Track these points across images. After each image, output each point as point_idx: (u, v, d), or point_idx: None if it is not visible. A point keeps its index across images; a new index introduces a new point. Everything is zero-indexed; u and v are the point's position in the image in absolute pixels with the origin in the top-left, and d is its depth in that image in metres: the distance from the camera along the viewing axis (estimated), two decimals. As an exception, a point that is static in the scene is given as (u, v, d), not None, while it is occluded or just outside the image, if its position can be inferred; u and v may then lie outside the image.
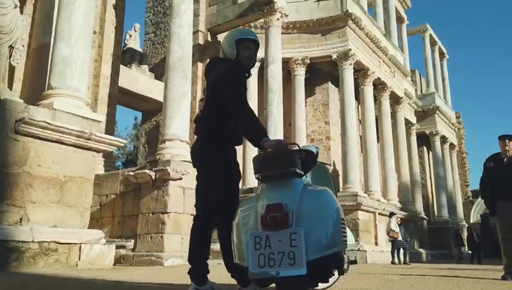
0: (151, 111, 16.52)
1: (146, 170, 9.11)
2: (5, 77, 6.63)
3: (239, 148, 13.56)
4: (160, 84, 14.31)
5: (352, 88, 16.24)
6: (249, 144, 15.94)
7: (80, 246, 5.72)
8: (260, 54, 15.02)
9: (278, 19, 14.30)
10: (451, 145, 29.07)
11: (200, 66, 15.42)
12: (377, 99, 18.97)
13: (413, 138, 24.27)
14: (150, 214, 9.01)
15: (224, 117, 2.54)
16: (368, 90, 17.62)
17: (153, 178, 8.98)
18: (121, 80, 13.28)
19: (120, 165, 34.71)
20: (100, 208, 10.41)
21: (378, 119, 18.92)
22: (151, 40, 17.11)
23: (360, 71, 17.47)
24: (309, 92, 17.62)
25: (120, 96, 14.27)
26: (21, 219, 5.32)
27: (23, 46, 7.22)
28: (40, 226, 5.45)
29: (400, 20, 26.06)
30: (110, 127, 12.09)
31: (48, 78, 6.49)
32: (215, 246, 2.84)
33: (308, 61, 16.56)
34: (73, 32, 6.50)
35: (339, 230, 1.92)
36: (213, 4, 16.08)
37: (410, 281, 4.78)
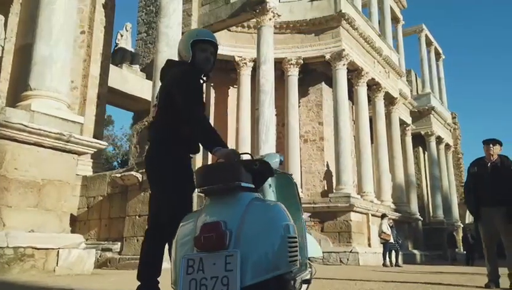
0: (143, 111, 16.36)
1: (133, 172, 8.98)
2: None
3: (232, 146, 13.40)
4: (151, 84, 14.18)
5: (346, 89, 16.13)
6: (242, 139, 15.85)
7: (58, 251, 5.58)
8: (252, 54, 15.10)
9: (270, 19, 14.19)
10: (447, 146, 29.00)
11: (192, 66, 15.31)
12: (371, 100, 18.86)
13: (409, 139, 24.19)
14: (137, 217, 8.88)
15: (179, 124, 2.38)
16: (362, 90, 17.52)
17: (140, 180, 8.85)
18: (111, 80, 13.14)
19: (116, 165, 34.54)
20: (88, 210, 10.29)
21: (372, 120, 18.82)
22: (143, 39, 16.97)
23: (354, 72, 17.37)
24: (303, 92, 17.51)
25: (110, 97, 14.14)
26: (-4, 224, 5.19)
27: (1, 46, 7.07)
28: (16, 231, 5.32)
29: (395, 20, 25.96)
30: (99, 128, 11.96)
31: (27, 79, 6.34)
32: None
33: (302, 62, 16.44)
34: (54, 32, 6.36)
35: (285, 250, 1.76)
36: (205, 4, 15.94)
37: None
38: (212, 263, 1.65)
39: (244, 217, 1.75)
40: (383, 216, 13.43)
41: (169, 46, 9.99)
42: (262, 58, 13.95)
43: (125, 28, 15.42)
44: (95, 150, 6.92)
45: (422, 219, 22.87)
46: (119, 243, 9.04)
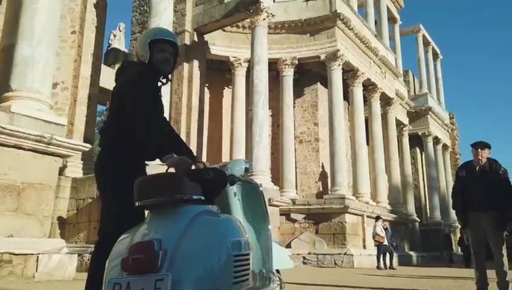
0: (137, 112, 16.22)
1: (121, 174, 8.83)
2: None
3: (226, 147, 13.16)
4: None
5: (341, 89, 16.01)
6: (236, 140, 15.73)
7: (38, 256, 5.45)
8: (247, 54, 14.96)
9: (264, 19, 14.07)
10: (444, 146, 28.89)
11: (186, 67, 15.17)
12: (367, 101, 18.73)
13: (406, 139, 24.09)
14: (125, 220, 8.74)
15: (131, 129, 2.19)
16: (358, 91, 17.39)
17: (129, 182, 8.70)
18: (103, 80, 13.00)
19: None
20: (77, 212, 10.13)
21: (368, 121, 18.70)
22: (138, 39, 16.81)
23: (350, 72, 17.24)
24: (298, 93, 17.39)
25: (103, 97, 13.99)
26: (-28, 229, 5.05)
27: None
28: (-6, 236, 5.18)
29: (392, 20, 25.85)
30: (90, 128, 11.80)
31: (8, 79, 6.20)
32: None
33: (297, 62, 16.31)
34: (36, 32, 6.23)
35: (229, 270, 1.60)
36: (200, 4, 15.82)
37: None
38: (141, 288, 1.48)
39: (184, 235, 1.59)
40: (377, 218, 13.31)
41: (159, 47, 9.84)
42: (256, 59, 13.83)
43: (119, 28, 15.29)
44: (79, 152, 6.78)
45: (419, 220, 22.76)
46: (108, 247, 8.89)
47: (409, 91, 26.45)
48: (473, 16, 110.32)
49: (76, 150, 6.49)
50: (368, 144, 18.57)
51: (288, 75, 16.36)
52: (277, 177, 15.70)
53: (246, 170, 2.33)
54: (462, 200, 4.61)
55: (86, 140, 10.37)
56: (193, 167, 2.09)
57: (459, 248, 20.06)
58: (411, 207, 22.15)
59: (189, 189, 1.73)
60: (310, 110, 17.53)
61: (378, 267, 12.23)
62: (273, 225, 12.41)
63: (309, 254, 13.79)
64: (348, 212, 14.17)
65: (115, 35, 15.01)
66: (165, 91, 10.85)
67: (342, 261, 13.44)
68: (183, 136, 14.67)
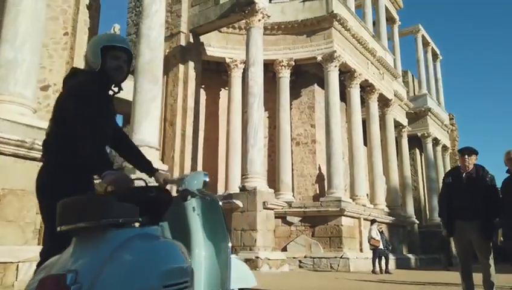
0: (132, 114, 16.13)
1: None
2: None
3: (223, 148, 12.98)
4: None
5: (337, 91, 15.87)
6: (233, 142, 15.58)
7: (18, 265, 5.33)
8: (243, 55, 14.85)
9: (259, 20, 13.96)
10: (444, 147, 28.70)
11: (182, 68, 15.08)
12: (365, 102, 18.59)
13: (405, 141, 23.92)
14: (115, 224, 8.65)
15: (72, 141, 2.05)
16: (355, 92, 17.25)
17: (118, 186, 8.61)
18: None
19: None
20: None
21: (366, 122, 18.55)
22: (133, 41, 16.68)
23: (347, 73, 17.11)
24: (295, 94, 17.28)
25: (97, 99, 13.90)
26: (-50, 237, 4.94)
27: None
28: (-28, 243, 5.07)
29: (391, 20, 25.69)
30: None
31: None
32: None
33: (293, 63, 16.19)
34: (19, 34, 6.12)
35: None
36: (195, 5, 15.72)
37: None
38: None
39: (106, 265, 1.44)
40: (373, 222, 13.17)
41: (150, 49, 9.77)
42: (251, 60, 13.72)
43: (113, 30, 15.19)
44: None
45: (418, 221, 22.61)
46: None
47: (408, 92, 26.29)
48: (473, 16, 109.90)
49: (60, 155, 6.36)
50: (366, 145, 18.44)
51: (285, 77, 16.24)
52: (273, 180, 15.59)
53: (205, 183, 2.20)
54: (448, 208, 4.47)
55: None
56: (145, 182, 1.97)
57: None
58: (410, 209, 22.00)
59: (118, 212, 1.57)
60: (307, 111, 17.42)
61: (373, 272, 12.09)
62: (268, 229, 12.29)
63: (305, 257, 13.67)
64: (344, 215, 14.04)
65: (109, 37, 14.87)
66: (159, 93, 10.76)
67: (338, 265, 13.31)
68: (178, 138, 14.57)
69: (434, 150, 26.79)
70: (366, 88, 18.52)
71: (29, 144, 5.65)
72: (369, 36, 18.49)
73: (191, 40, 15.38)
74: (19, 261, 5.34)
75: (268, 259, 11.55)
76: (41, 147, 6.14)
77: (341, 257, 13.41)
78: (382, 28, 22.38)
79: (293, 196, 15.66)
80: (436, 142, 27.18)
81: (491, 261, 4.34)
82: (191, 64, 15.13)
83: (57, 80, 11.20)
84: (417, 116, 26.08)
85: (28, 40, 6.20)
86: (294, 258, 13.55)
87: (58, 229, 1.61)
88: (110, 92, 2.37)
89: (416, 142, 26.34)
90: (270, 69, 16.24)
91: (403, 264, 16.86)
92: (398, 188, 20.36)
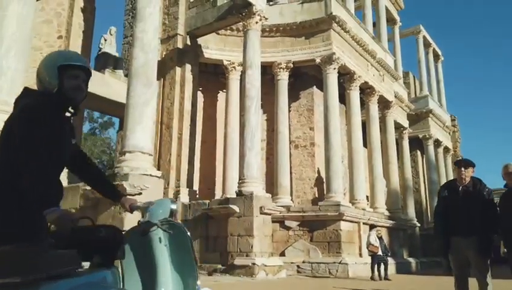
0: (129, 117, 15.96)
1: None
2: None
3: (220, 151, 12.74)
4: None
5: (336, 93, 15.68)
6: (230, 145, 15.39)
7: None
8: (241, 58, 14.68)
9: (256, 22, 13.79)
10: (446, 149, 28.46)
11: (179, 71, 14.93)
12: (364, 104, 18.39)
13: (406, 143, 23.70)
14: (107, 231, 8.49)
15: (17, 171, 1.84)
16: (354, 94, 17.06)
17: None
18: (93, 85, 12.65)
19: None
20: (61, 222, 9.92)
21: (366, 125, 18.36)
22: (130, 43, 16.54)
23: (346, 75, 16.92)
24: (293, 96, 17.10)
25: (93, 102, 13.78)
26: None
27: None
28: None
29: (392, 21, 25.48)
30: (76, 136, 11.58)
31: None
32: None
33: (292, 66, 16.00)
34: (4, 40, 5.97)
35: None
36: (193, 7, 15.57)
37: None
38: None
39: None
40: (371, 227, 12.97)
41: (144, 52, 9.60)
42: (249, 63, 13.55)
43: (110, 32, 15.05)
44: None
45: (419, 225, 22.36)
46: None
47: (409, 93, 26.06)
48: (475, 17, 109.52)
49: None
50: (366, 147, 18.25)
51: (283, 79, 16.06)
52: (272, 183, 15.41)
53: (172, 212, 2.03)
54: (444, 224, 4.29)
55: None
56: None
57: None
58: (411, 212, 21.78)
59: (52, 262, 1.40)
60: (306, 114, 17.23)
61: (372, 278, 11.90)
62: (265, 234, 12.10)
63: (303, 262, 13.47)
64: (343, 220, 13.83)
65: (105, 40, 14.76)
66: (154, 97, 10.58)
67: (337, 271, 13.11)
68: (174, 141, 14.40)
69: (435, 151, 26.56)
70: (366, 90, 18.32)
71: (13, 153, 5.49)
72: (369, 38, 18.29)
73: (188, 42, 15.24)
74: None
75: (265, 265, 11.36)
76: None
77: (340, 262, 13.22)
78: (382, 29, 22.18)
79: (291, 199, 15.47)
80: (437, 143, 26.95)
81: (489, 280, 4.16)
82: (188, 66, 14.98)
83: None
84: (418, 117, 25.85)
85: (14, 46, 6.06)
86: (292, 263, 13.36)
87: None
88: (67, 114, 2.19)
89: (417, 143, 26.11)
90: (268, 71, 16.06)
91: (403, 268, 16.64)
92: (399, 190, 20.16)
